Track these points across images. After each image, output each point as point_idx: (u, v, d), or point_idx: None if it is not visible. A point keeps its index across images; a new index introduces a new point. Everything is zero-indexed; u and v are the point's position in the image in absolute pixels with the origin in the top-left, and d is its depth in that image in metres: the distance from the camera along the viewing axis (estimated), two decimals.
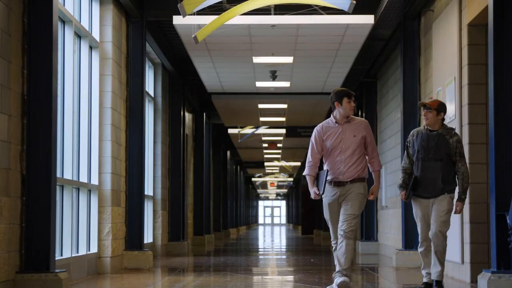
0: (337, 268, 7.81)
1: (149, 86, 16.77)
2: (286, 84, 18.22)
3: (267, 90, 19.24)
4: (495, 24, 8.32)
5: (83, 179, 11.11)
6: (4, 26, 7.76)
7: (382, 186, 17.87)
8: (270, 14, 12.47)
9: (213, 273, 12.43)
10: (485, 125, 9.93)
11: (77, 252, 10.86)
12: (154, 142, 17.30)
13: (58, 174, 9.65)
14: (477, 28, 10.12)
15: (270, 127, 26.51)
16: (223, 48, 14.55)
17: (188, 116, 21.99)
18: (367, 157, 7.97)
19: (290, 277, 11.63)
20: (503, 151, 8.25)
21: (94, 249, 11.50)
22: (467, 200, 10.05)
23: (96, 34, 11.67)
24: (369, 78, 18.65)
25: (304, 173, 8.07)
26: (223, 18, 10.45)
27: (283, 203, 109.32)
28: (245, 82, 18.13)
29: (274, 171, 52.65)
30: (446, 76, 11.12)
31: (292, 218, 78.87)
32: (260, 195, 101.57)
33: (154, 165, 17.32)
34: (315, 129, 8.06)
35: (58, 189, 9.51)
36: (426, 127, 8.05)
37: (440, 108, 7.99)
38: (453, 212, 7.99)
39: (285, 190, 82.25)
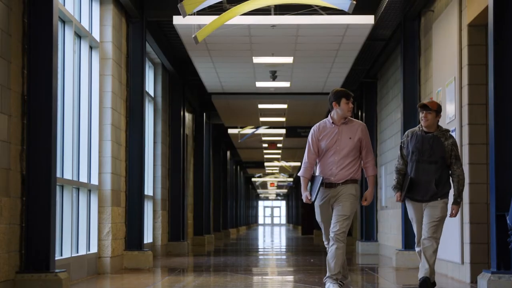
0: (328, 273, 7.72)
1: (149, 86, 16.78)
2: (286, 84, 18.22)
3: (267, 90, 19.25)
4: (495, 25, 8.32)
5: (83, 179, 11.11)
6: (4, 26, 7.77)
7: (382, 186, 17.87)
8: (270, 14, 12.47)
9: (213, 273, 12.43)
10: (485, 126, 9.93)
11: (77, 252, 10.86)
12: (154, 142, 17.30)
13: (58, 174, 9.65)
14: (477, 28, 10.12)
15: (270, 127, 26.51)
16: (223, 48, 14.55)
17: (188, 116, 22.00)
18: (362, 161, 7.85)
19: (290, 277, 11.63)
20: (503, 151, 8.25)
21: (94, 249, 11.50)
22: (466, 200, 10.05)
23: (96, 34, 11.67)
24: (369, 78, 18.66)
25: (299, 174, 7.98)
26: (223, 18, 10.45)
27: (283, 203, 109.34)
28: (245, 82, 18.13)
29: (274, 171, 52.66)
30: (446, 77, 11.12)
31: (292, 218, 78.89)
32: (260, 195, 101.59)
33: (154, 165, 17.32)
34: (311, 129, 7.94)
35: (58, 189, 9.51)
36: (421, 129, 7.89)
37: (439, 109, 7.88)
38: (448, 215, 7.85)
39: (285, 190, 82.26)
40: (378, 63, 17.29)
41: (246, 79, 17.64)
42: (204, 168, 24.11)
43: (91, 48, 11.59)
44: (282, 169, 49.34)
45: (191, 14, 10.32)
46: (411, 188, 7.84)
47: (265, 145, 32.74)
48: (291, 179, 60.23)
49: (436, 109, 7.81)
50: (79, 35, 11.02)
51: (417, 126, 7.99)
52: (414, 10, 12.89)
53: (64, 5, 10.05)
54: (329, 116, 7.92)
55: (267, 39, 13.76)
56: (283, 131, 26.98)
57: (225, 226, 35.69)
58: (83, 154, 11.17)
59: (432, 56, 12.22)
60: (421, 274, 7.78)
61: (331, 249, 7.68)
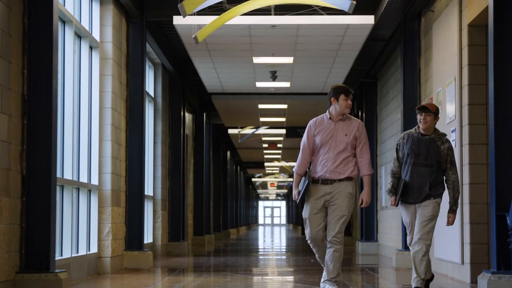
0: (324, 275, 7.60)
1: (149, 86, 16.78)
2: (286, 84, 18.22)
3: (267, 91, 19.25)
4: (495, 25, 8.32)
5: (83, 179, 11.11)
6: (4, 26, 7.76)
7: (382, 186, 17.87)
8: (270, 14, 12.47)
9: (213, 273, 12.43)
10: (485, 126, 9.92)
11: (77, 252, 10.86)
12: (154, 142, 17.30)
13: (58, 174, 9.65)
14: (477, 28, 10.12)
15: (270, 128, 26.51)
16: (223, 48, 14.55)
17: (188, 116, 22.00)
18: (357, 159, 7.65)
19: (290, 278, 11.63)
20: (503, 151, 8.25)
21: (94, 249, 11.50)
22: (467, 201, 10.05)
23: (96, 34, 11.67)
24: (369, 78, 18.66)
25: (293, 169, 7.89)
26: (223, 18, 10.45)
27: (283, 204, 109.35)
28: (245, 82, 18.13)
29: (274, 171, 52.66)
30: (446, 77, 11.12)
31: (292, 218, 78.89)
32: (260, 195, 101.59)
33: (154, 165, 17.32)
34: (308, 124, 7.77)
35: (58, 189, 9.51)
36: (418, 131, 7.71)
37: (437, 111, 7.70)
38: (445, 224, 7.73)
39: (285, 191, 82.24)
40: (378, 63, 17.29)
41: (246, 79, 17.64)
42: (204, 168, 24.11)
43: (91, 48, 11.59)
44: (282, 169, 49.34)
45: (191, 14, 10.33)
46: (405, 191, 7.67)
47: (265, 145, 32.74)
48: (291, 179, 60.22)
49: (435, 111, 7.64)
50: (79, 35, 11.02)
51: (414, 128, 7.80)
52: (414, 10, 12.89)
53: (64, 5, 10.05)
54: (327, 111, 7.78)
55: (267, 39, 13.76)
56: (283, 131, 26.99)
57: (225, 226, 35.70)
58: (83, 154, 11.17)
59: (432, 56, 12.22)
60: (413, 284, 7.63)
61: (329, 250, 7.58)
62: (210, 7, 11.17)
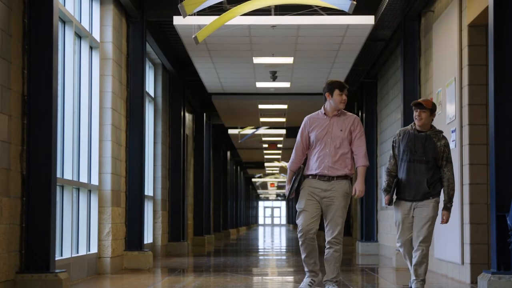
0: (326, 277, 7.58)
1: (149, 86, 16.78)
2: (286, 84, 18.22)
3: (267, 91, 19.25)
4: (496, 25, 8.33)
5: (83, 179, 11.11)
6: (4, 26, 7.77)
7: (382, 186, 17.85)
8: (270, 14, 12.47)
9: (213, 273, 12.43)
10: (485, 126, 9.93)
11: (77, 252, 10.86)
12: (154, 143, 17.30)
13: (58, 174, 9.65)
14: (477, 29, 10.13)
15: (270, 128, 26.52)
16: (223, 48, 14.55)
17: (188, 117, 22.00)
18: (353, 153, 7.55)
19: (290, 278, 11.63)
20: (503, 152, 8.25)
21: (94, 249, 11.50)
22: (467, 201, 10.05)
23: (96, 35, 11.67)
24: (370, 78, 18.66)
25: (287, 165, 7.83)
26: (223, 19, 10.45)
27: (283, 204, 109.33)
28: (245, 83, 18.13)
29: (274, 171, 52.65)
30: (446, 77, 11.12)
31: (292, 218, 78.87)
32: (260, 195, 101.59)
33: (154, 165, 17.32)
34: (304, 120, 7.72)
35: (58, 189, 9.51)
36: (414, 127, 7.63)
37: (434, 108, 7.62)
38: (440, 222, 7.64)
39: (285, 191, 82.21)
40: (378, 64, 17.29)
41: (246, 79, 17.64)
42: (204, 168, 24.11)
43: (91, 48, 11.59)
44: (282, 170, 49.34)
45: (191, 15, 10.33)
46: (401, 188, 7.58)
47: (265, 145, 32.74)
48: None
49: (431, 108, 7.55)
50: (79, 35, 11.02)
51: (410, 125, 7.73)
52: (414, 10, 12.89)
53: (64, 5, 10.05)
54: (322, 107, 7.72)
55: (267, 39, 13.76)
56: (283, 131, 26.99)
57: (225, 226, 35.69)
58: (83, 154, 11.17)
59: (432, 57, 12.22)
60: (413, 285, 7.54)
61: (329, 251, 7.57)
62: (210, 7, 11.17)
